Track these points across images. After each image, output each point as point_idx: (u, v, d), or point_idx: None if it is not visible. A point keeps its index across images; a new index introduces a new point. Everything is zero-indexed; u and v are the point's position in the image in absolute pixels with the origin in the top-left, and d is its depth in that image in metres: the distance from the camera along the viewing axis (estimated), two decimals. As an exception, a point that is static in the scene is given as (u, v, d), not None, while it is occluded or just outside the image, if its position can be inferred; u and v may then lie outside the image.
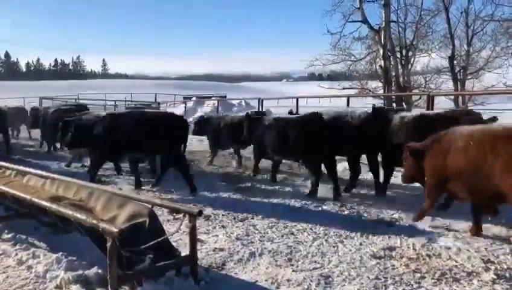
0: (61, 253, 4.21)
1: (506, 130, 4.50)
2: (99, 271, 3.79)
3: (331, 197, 6.68)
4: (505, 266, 4.07)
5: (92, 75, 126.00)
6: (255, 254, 4.50)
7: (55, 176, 5.04)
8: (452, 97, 21.15)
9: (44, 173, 5.22)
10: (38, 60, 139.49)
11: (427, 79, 23.49)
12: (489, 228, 5.09)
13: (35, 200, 4.23)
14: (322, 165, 7.09)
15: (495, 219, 5.12)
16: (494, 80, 21.70)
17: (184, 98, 34.92)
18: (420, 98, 19.74)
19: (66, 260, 4.07)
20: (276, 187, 7.61)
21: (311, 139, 6.89)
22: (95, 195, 4.21)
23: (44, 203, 4.10)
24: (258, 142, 8.13)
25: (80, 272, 3.82)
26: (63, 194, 4.46)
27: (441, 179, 4.97)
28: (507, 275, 3.90)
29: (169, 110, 19.63)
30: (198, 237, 4.34)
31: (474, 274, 3.93)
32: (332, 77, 34.47)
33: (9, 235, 4.87)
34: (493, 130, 4.74)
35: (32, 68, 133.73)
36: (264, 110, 13.02)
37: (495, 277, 3.85)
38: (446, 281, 3.82)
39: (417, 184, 6.07)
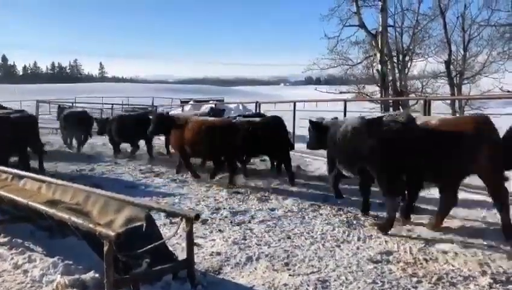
0: (57, 257, 4.19)
1: (206, 121, 8.62)
2: (96, 275, 3.77)
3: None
4: (502, 270, 4.09)
5: (89, 79, 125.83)
6: (252, 258, 4.49)
7: (52, 179, 5.02)
8: (449, 101, 21.23)
9: (41, 177, 5.21)
10: (35, 63, 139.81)
11: (424, 83, 23.56)
12: (484, 232, 5.12)
13: (32, 204, 4.22)
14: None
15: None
16: (491, 85, 21.80)
17: (181, 101, 34.89)
18: (417, 103, 19.79)
19: (62, 264, 4.05)
20: (274, 191, 7.60)
21: (134, 130, 11.32)
22: (92, 199, 4.19)
23: (41, 207, 4.09)
24: (110, 131, 12.21)
25: (77, 276, 3.81)
26: (60, 198, 4.43)
27: (181, 145, 8.67)
28: (504, 279, 3.91)
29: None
30: (195, 241, 4.34)
31: (471, 278, 3.94)
32: (330, 81, 34.58)
33: (5, 239, 4.84)
34: (205, 121, 8.69)
35: (29, 71, 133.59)
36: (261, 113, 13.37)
37: (491, 281, 3.86)
38: (443, 285, 3.83)
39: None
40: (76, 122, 13.20)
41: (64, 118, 13.71)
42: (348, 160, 5.81)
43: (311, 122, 7.19)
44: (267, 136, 8.24)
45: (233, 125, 8.40)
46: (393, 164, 5.09)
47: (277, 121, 8.61)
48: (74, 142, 13.82)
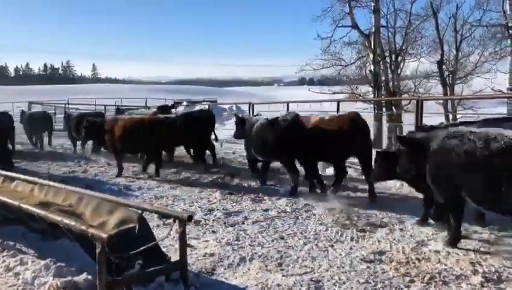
0: (49, 259, 4.17)
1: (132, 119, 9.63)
2: (89, 277, 3.76)
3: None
4: (493, 269, 4.12)
5: (82, 80, 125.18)
6: (245, 259, 4.50)
7: (44, 181, 5.00)
8: (441, 101, 21.33)
9: (33, 179, 5.18)
10: (27, 64, 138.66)
11: (416, 84, 23.64)
12: (476, 231, 5.16)
13: (24, 206, 4.19)
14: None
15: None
16: (483, 85, 21.92)
17: (175, 102, 34.76)
18: (409, 103, 19.88)
19: (54, 266, 4.03)
20: (267, 192, 7.60)
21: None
22: (85, 201, 4.18)
23: (33, 209, 4.07)
24: (70, 128, 13.28)
25: (69, 278, 3.80)
26: (52, 200, 4.42)
27: (116, 144, 9.23)
28: (495, 278, 3.94)
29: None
30: (188, 242, 4.34)
31: (463, 277, 3.97)
32: (323, 81, 34.60)
33: (-3, 242, 4.81)
34: (134, 119, 9.67)
35: (21, 73, 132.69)
36: (255, 114, 13.57)
37: (483, 279, 3.89)
38: (435, 284, 3.85)
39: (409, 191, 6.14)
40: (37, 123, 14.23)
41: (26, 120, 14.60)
42: (260, 148, 7.74)
43: (236, 116, 8.93)
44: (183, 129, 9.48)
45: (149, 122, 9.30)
46: (286, 149, 7.25)
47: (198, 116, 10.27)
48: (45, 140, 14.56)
